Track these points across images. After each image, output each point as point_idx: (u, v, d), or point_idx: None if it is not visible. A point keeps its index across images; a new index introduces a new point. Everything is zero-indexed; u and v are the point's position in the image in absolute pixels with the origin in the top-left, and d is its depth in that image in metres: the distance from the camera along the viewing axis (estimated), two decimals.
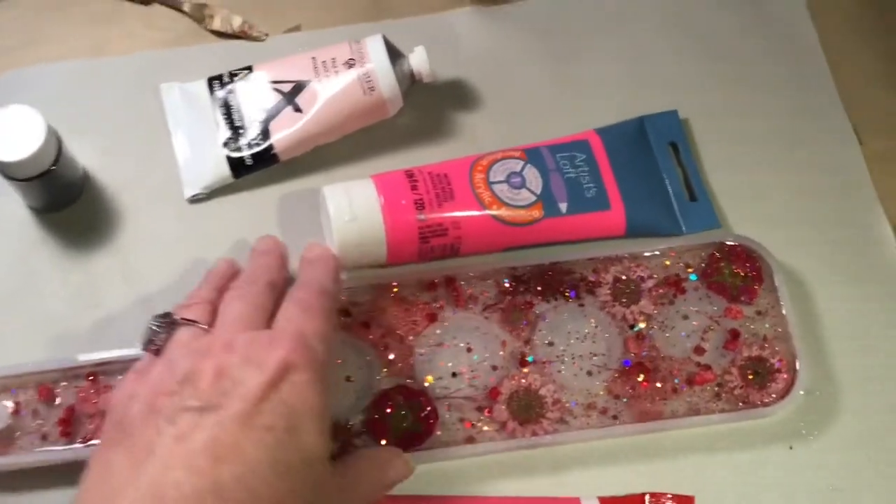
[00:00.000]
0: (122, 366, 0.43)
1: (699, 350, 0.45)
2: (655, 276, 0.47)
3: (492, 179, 0.46)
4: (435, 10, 0.54)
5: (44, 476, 0.42)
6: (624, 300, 0.46)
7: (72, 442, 0.42)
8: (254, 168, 0.49)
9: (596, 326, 0.46)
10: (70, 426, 0.42)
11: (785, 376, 0.45)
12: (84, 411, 0.43)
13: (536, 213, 0.46)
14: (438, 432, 0.44)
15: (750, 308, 0.46)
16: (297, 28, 0.53)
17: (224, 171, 0.49)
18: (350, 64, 0.48)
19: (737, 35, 0.55)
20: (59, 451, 0.42)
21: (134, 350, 0.41)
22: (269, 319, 0.39)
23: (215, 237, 0.48)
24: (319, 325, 0.38)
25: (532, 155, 0.48)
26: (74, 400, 0.43)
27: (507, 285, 0.46)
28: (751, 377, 0.45)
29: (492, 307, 0.46)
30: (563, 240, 0.48)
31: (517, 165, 0.47)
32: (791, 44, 0.54)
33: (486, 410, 0.44)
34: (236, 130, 0.49)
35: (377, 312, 0.46)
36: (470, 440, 0.44)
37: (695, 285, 0.47)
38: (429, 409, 0.44)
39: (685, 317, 0.46)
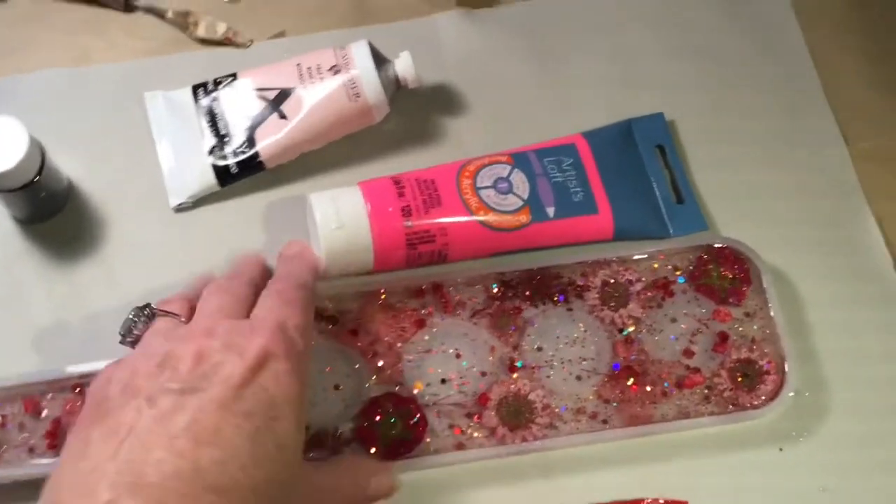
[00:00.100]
0: None
1: (688, 353, 0.45)
2: (644, 279, 0.47)
3: (479, 185, 0.46)
4: (420, 14, 0.54)
5: (31, 490, 0.42)
6: (612, 304, 0.46)
7: (59, 455, 0.42)
8: (239, 176, 0.49)
9: (585, 331, 0.46)
10: (57, 439, 0.42)
11: (774, 378, 0.45)
12: (71, 424, 0.42)
13: (524, 218, 0.46)
14: (428, 439, 0.43)
15: (738, 310, 0.46)
16: (281, 34, 0.53)
17: (209, 179, 0.49)
18: (335, 70, 0.48)
19: (722, 36, 0.55)
20: (46, 465, 0.42)
21: None
22: (249, 312, 0.39)
23: (201, 246, 0.48)
24: (299, 317, 0.38)
25: (519, 159, 0.48)
26: (61, 412, 0.43)
27: (495, 290, 0.46)
28: (740, 379, 0.45)
29: (480, 313, 0.46)
30: (551, 244, 0.47)
31: (504, 170, 0.47)
32: (777, 44, 0.54)
33: (476, 417, 0.44)
34: (221, 138, 0.49)
35: (365, 319, 0.45)
36: (460, 447, 0.43)
37: (683, 288, 0.47)
38: (418, 416, 0.44)
39: (674, 320, 0.46)
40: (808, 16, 0.55)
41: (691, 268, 0.47)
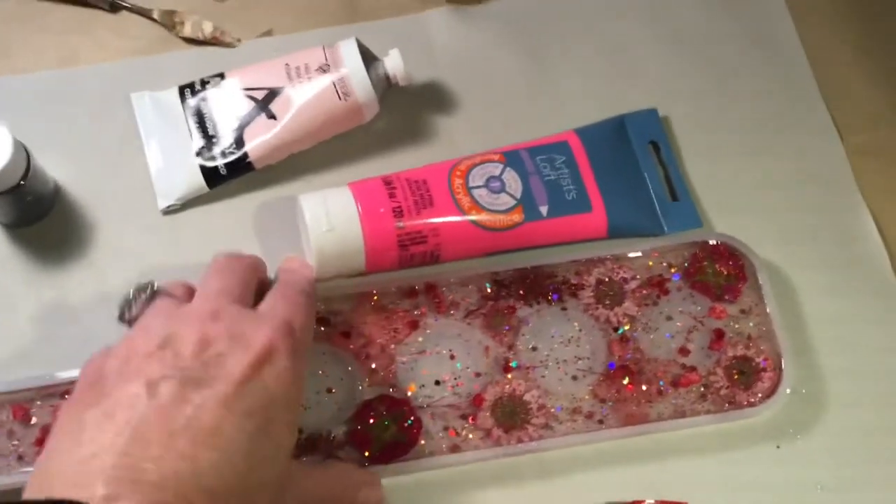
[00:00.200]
0: None
1: (684, 351, 0.45)
2: (638, 277, 0.46)
3: (471, 184, 0.46)
4: (409, 11, 0.53)
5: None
6: (607, 302, 0.46)
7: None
8: (228, 177, 0.48)
9: (580, 330, 0.45)
10: None
11: (771, 375, 0.45)
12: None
13: (517, 217, 0.46)
14: (422, 442, 0.43)
15: (734, 307, 0.46)
16: (269, 33, 0.53)
17: (198, 180, 0.48)
18: (324, 69, 0.48)
19: (715, 30, 0.54)
20: None
21: None
22: (252, 299, 0.38)
23: (191, 248, 0.48)
24: (303, 318, 0.38)
25: (511, 158, 0.47)
26: (51, 419, 0.42)
27: (488, 290, 0.46)
28: (736, 377, 0.45)
29: (474, 313, 0.45)
30: (544, 243, 0.47)
31: (496, 169, 0.47)
32: (770, 39, 0.54)
33: (471, 418, 0.43)
34: (210, 139, 0.48)
35: (357, 321, 0.45)
36: (455, 449, 0.43)
37: (678, 285, 0.46)
38: (412, 418, 0.43)
39: (669, 318, 0.46)
40: (801, 9, 0.55)
41: (686, 265, 0.47)
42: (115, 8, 0.52)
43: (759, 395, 0.44)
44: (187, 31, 0.52)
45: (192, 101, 0.49)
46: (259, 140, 0.48)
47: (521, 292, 0.46)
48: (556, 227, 0.46)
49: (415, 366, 0.44)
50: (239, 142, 0.48)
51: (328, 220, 0.43)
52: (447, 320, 0.45)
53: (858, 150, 0.52)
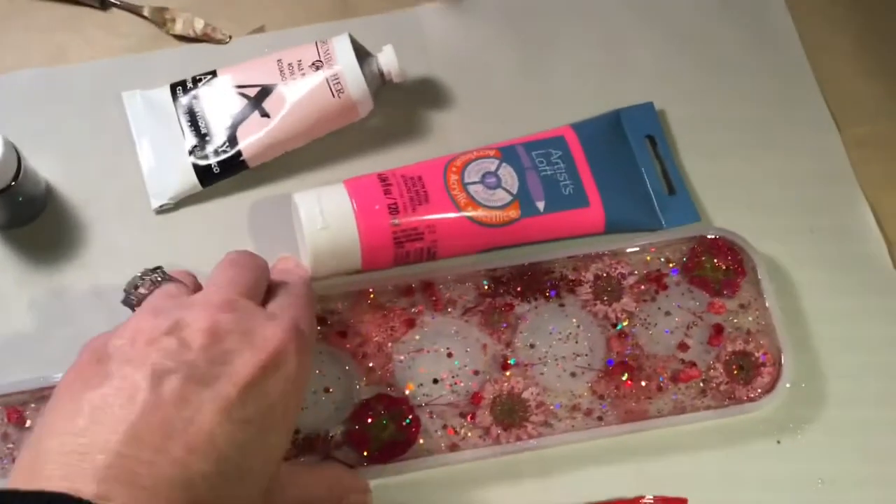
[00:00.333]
0: None
1: (683, 346, 0.45)
2: (636, 272, 0.46)
3: (467, 180, 0.45)
4: (402, 6, 0.53)
5: None
6: (605, 298, 0.46)
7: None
8: (222, 176, 0.48)
9: (578, 326, 0.45)
10: None
11: (770, 370, 0.44)
12: None
13: (513, 213, 0.45)
14: (421, 441, 0.43)
15: (733, 302, 0.46)
16: (261, 29, 0.52)
17: (191, 179, 0.48)
18: (317, 66, 0.47)
19: (711, 23, 0.54)
20: None
21: None
22: (261, 298, 0.37)
23: (185, 248, 0.47)
24: (309, 319, 0.37)
25: (507, 153, 0.47)
26: None
27: (486, 287, 0.46)
28: (736, 372, 0.44)
29: (471, 310, 0.45)
30: (541, 239, 0.47)
31: (492, 165, 0.46)
32: (767, 31, 0.54)
33: (469, 416, 0.43)
34: (202, 137, 0.48)
35: (354, 320, 0.45)
36: (454, 447, 0.43)
37: (676, 280, 0.46)
38: (411, 417, 0.43)
39: (668, 313, 0.45)
40: (798, 2, 0.54)
41: (684, 259, 0.46)
42: (104, 5, 0.52)
43: (759, 389, 0.44)
44: (178, 28, 0.51)
45: (183, 100, 0.49)
46: (252, 138, 0.47)
47: (519, 289, 0.46)
48: (553, 223, 0.46)
49: (412, 364, 0.44)
50: (232, 140, 0.48)
51: (323, 217, 0.43)
52: (444, 318, 0.45)
53: (856, 142, 0.51)
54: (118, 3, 0.52)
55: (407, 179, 0.45)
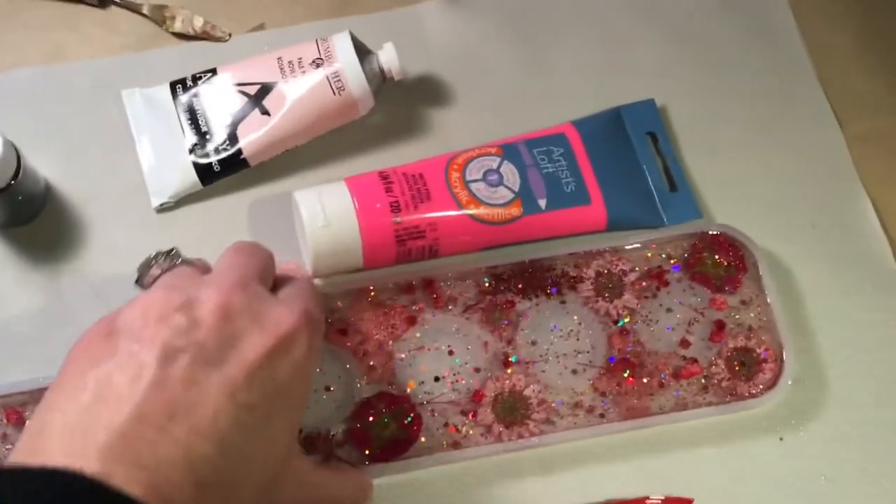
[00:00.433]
0: None
1: (684, 343, 0.45)
2: (637, 269, 0.46)
3: (468, 178, 0.45)
4: (402, 4, 0.53)
5: None
6: (606, 295, 0.46)
7: None
8: (222, 174, 0.48)
9: (579, 323, 0.45)
10: None
11: (772, 366, 0.44)
12: None
13: (515, 210, 0.45)
14: (423, 439, 0.43)
15: (734, 298, 0.46)
16: (261, 27, 0.52)
17: (191, 178, 0.48)
18: (317, 63, 0.47)
19: (712, 19, 0.54)
20: None
21: None
22: (269, 286, 0.36)
23: (186, 246, 0.46)
24: (318, 309, 0.37)
25: (508, 151, 0.47)
26: None
27: (486, 285, 0.45)
28: (738, 368, 0.44)
29: (472, 308, 0.45)
30: (543, 237, 0.47)
31: (493, 162, 0.46)
32: (767, 27, 0.54)
33: (471, 414, 0.43)
34: (202, 136, 0.48)
35: (355, 318, 0.44)
36: (455, 445, 0.43)
37: (678, 277, 0.46)
38: (412, 415, 0.43)
39: (669, 309, 0.45)
40: None
41: (685, 256, 0.46)
42: (103, 3, 0.52)
43: (761, 386, 0.44)
44: (178, 26, 0.51)
45: (183, 98, 0.49)
46: (253, 136, 0.47)
47: (520, 286, 0.45)
48: (555, 220, 0.46)
49: (413, 362, 0.44)
50: (232, 138, 0.47)
51: (324, 215, 0.43)
52: (445, 315, 0.45)
53: (858, 138, 0.51)
54: (117, 0, 0.52)
55: (408, 177, 0.45)
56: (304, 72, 0.47)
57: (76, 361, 0.32)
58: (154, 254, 0.37)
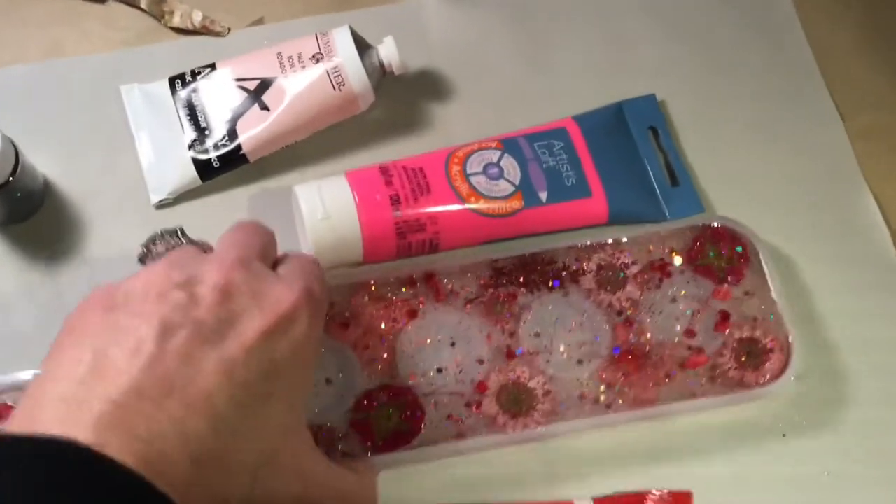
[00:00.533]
0: None
1: (690, 333, 0.44)
2: (639, 261, 0.46)
3: (469, 171, 0.45)
4: None
5: None
6: (609, 287, 0.45)
7: None
8: (222, 170, 0.48)
9: (583, 315, 0.44)
10: None
11: (778, 356, 0.44)
12: None
13: (516, 203, 0.45)
14: (425, 430, 0.42)
15: (738, 289, 0.45)
16: (260, 21, 0.52)
17: (191, 174, 0.47)
18: (317, 58, 0.47)
19: (714, 15, 0.54)
20: None
21: None
22: (272, 264, 0.36)
23: None
24: (321, 286, 0.36)
25: (509, 145, 0.47)
26: None
27: (488, 278, 0.45)
28: (744, 359, 0.44)
29: (474, 301, 0.45)
30: (544, 230, 0.46)
31: (494, 156, 0.46)
32: (770, 21, 0.53)
33: (475, 406, 0.43)
34: (202, 131, 0.48)
35: (356, 311, 0.44)
36: (459, 437, 0.42)
37: (680, 269, 0.46)
38: (415, 406, 0.42)
39: (673, 300, 0.45)
40: None
41: (688, 248, 0.46)
42: None
43: (768, 375, 0.43)
44: (176, 20, 0.51)
45: (182, 93, 0.48)
46: (252, 132, 0.47)
47: (521, 279, 0.45)
48: (556, 213, 0.46)
49: (415, 354, 0.43)
50: (232, 134, 0.47)
51: (324, 208, 0.43)
52: (447, 308, 0.44)
53: (861, 133, 0.51)
54: None
55: (408, 171, 0.45)
56: (303, 67, 0.47)
57: (73, 332, 0.32)
58: (159, 231, 0.37)
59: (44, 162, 0.47)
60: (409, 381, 0.43)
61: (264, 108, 0.47)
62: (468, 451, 0.42)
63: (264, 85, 0.47)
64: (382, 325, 0.44)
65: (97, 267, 0.46)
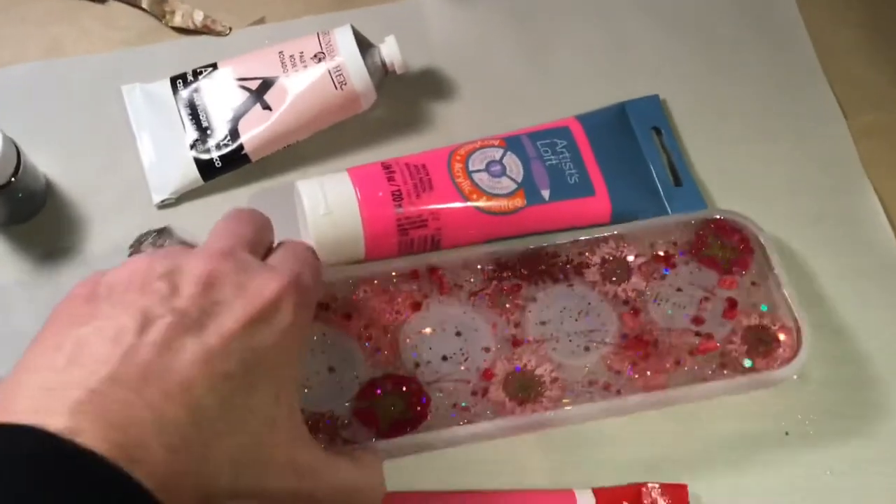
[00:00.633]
0: None
1: (698, 320, 0.43)
2: (643, 254, 0.45)
3: (471, 168, 0.45)
4: None
5: None
6: (614, 279, 0.44)
7: None
8: (224, 170, 0.47)
9: (588, 304, 0.44)
10: None
11: (788, 341, 0.43)
12: None
13: (519, 201, 0.45)
14: (431, 418, 0.41)
15: (744, 279, 0.44)
16: (261, 20, 0.52)
17: (192, 174, 0.47)
18: (319, 58, 0.47)
19: (716, 13, 0.54)
20: None
21: None
22: (262, 254, 0.36)
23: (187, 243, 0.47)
24: (313, 273, 0.36)
25: (511, 143, 0.47)
26: None
27: (491, 272, 0.44)
28: (754, 345, 0.43)
29: (478, 293, 0.44)
30: (547, 228, 0.46)
31: (496, 153, 0.46)
32: (772, 20, 0.54)
33: (481, 393, 0.42)
34: (203, 131, 0.47)
35: (358, 305, 0.43)
36: (466, 424, 0.41)
37: (685, 259, 0.45)
38: (420, 394, 0.41)
39: (679, 289, 0.44)
40: None
41: (690, 241, 0.45)
42: None
43: (778, 361, 0.43)
44: (177, 20, 0.51)
45: (184, 93, 0.48)
46: (254, 131, 0.47)
47: (525, 273, 0.44)
48: (558, 211, 0.46)
49: (419, 343, 0.43)
50: (234, 133, 0.47)
51: (326, 203, 0.43)
52: (451, 300, 0.44)
53: (864, 131, 0.51)
54: None
55: (411, 167, 0.45)
56: (305, 66, 0.47)
57: (55, 322, 0.32)
58: (146, 231, 0.37)
59: (45, 162, 0.47)
60: (414, 370, 0.42)
61: (266, 107, 0.47)
62: (476, 438, 0.41)
63: (266, 84, 0.47)
64: (386, 317, 0.43)
65: (99, 267, 0.45)
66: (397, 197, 0.43)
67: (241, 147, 0.47)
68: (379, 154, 0.49)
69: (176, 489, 0.29)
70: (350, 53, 0.47)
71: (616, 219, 0.47)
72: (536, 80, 0.52)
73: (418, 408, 0.41)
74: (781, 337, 0.43)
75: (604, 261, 0.45)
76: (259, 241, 0.36)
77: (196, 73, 0.49)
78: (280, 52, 0.48)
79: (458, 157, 0.45)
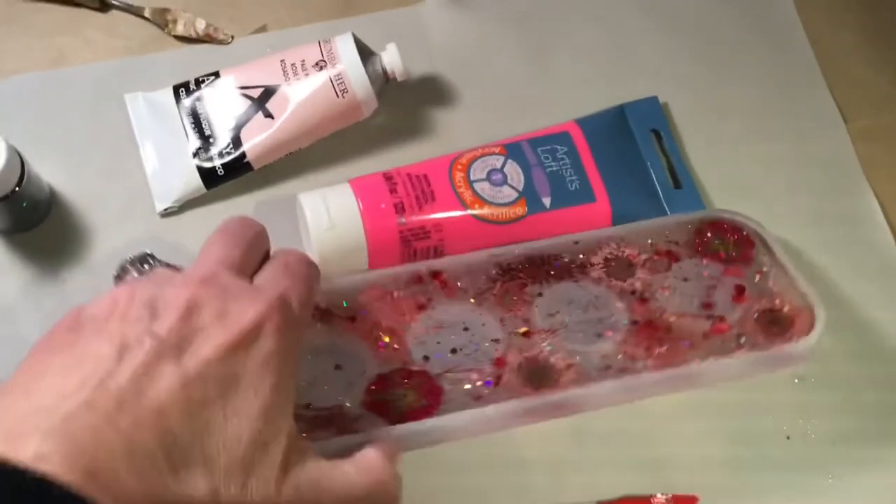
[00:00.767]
0: None
1: (708, 305, 0.43)
2: (645, 253, 0.45)
3: (472, 178, 0.45)
4: (404, 3, 0.53)
5: None
6: (619, 276, 0.44)
7: None
8: (226, 178, 0.48)
9: (596, 297, 0.44)
10: None
11: (801, 321, 0.42)
12: None
13: (520, 209, 0.45)
14: (445, 405, 0.40)
15: (749, 269, 0.44)
16: (263, 29, 0.52)
17: (195, 182, 0.47)
18: (320, 66, 0.47)
19: (715, 15, 0.54)
20: None
21: None
22: (253, 272, 0.36)
23: (190, 251, 0.47)
24: (304, 290, 0.35)
25: (512, 150, 0.47)
26: None
27: (495, 274, 0.44)
28: (767, 326, 0.42)
29: (483, 293, 0.43)
30: (549, 236, 0.46)
31: (497, 162, 0.46)
32: (771, 22, 0.54)
33: (495, 381, 0.41)
34: (206, 139, 0.48)
35: (364, 308, 0.43)
36: (478, 413, 0.39)
37: (688, 254, 0.45)
38: (431, 385, 0.41)
39: (685, 279, 0.44)
40: None
41: (692, 241, 0.45)
42: (104, 7, 0.51)
43: (794, 338, 0.41)
44: (180, 29, 0.51)
45: (186, 101, 0.49)
46: (256, 139, 0.47)
47: (530, 274, 0.44)
48: (560, 218, 0.46)
49: (427, 340, 0.42)
50: (236, 142, 0.47)
51: (329, 218, 0.43)
52: (457, 299, 0.43)
53: (863, 134, 0.51)
54: (118, 4, 0.52)
55: (412, 178, 0.45)
56: (307, 74, 0.47)
57: (38, 351, 0.32)
58: (129, 258, 0.37)
59: (49, 171, 0.47)
60: (424, 364, 0.41)
61: (268, 115, 0.47)
62: (491, 426, 0.40)
63: (268, 92, 0.47)
64: (392, 319, 0.43)
65: (103, 275, 0.46)
66: (400, 209, 0.44)
67: (243, 155, 0.47)
68: (380, 161, 0.49)
69: None
70: (351, 61, 0.47)
71: (616, 223, 0.47)
72: (536, 84, 0.52)
73: (431, 396, 0.40)
74: (793, 317, 0.42)
75: (607, 260, 0.45)
76: (247, 260, 0.36)
77: (198, 82, 0.49)
78: (282, 61, 0.48)
79: (459, 167, 0.46)
